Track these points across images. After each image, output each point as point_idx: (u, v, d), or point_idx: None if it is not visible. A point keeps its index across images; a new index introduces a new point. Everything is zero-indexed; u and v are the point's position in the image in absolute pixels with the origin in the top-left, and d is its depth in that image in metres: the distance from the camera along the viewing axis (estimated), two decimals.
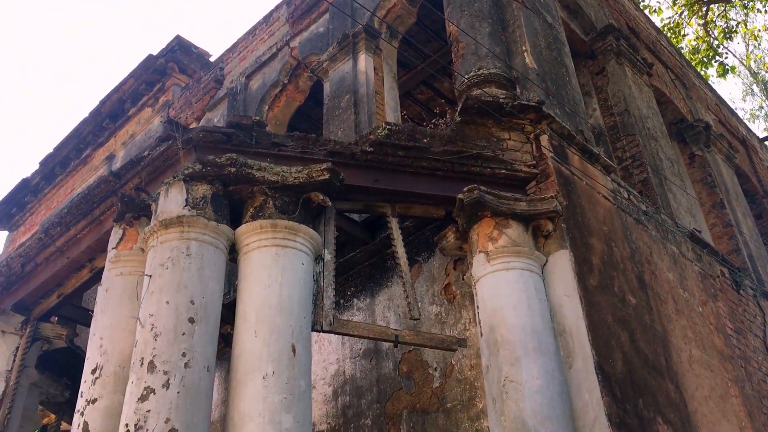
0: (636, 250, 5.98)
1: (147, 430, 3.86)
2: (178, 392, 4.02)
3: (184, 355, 4.16)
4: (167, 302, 4.32)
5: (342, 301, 6.59)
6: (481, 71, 6.13)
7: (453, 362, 5.53)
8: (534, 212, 5.16)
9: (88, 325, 6.50)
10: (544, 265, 5.11)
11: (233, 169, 4.79)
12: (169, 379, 4.04)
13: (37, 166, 12.70)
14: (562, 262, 5.03)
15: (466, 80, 6.13)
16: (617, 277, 5.48)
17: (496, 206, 5.10)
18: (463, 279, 5.67)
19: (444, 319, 5.77)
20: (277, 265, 4.65)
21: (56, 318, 6.71)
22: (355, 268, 6.65)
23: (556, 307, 4.89)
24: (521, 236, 5.11)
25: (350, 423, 6.02)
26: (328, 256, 5.08)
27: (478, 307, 5.01)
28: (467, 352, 5.44)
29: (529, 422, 4.31)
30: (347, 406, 6.14)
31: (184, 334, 4.24)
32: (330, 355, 6.54)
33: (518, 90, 6.14)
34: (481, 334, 4.85)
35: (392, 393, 5.85)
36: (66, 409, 7.33)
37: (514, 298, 4.81)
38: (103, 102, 11.68)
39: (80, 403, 4.52)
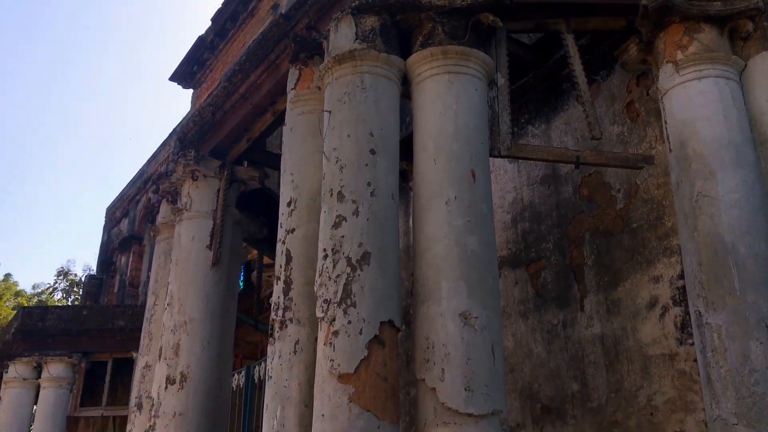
0: None
1: (343, 253, 4.14)
2: (367, 219, 4.23)
3: (369, 184, 4.33)
4: (348, 135, 4.47)
5: (516, 129, 6.47)
6: None
7: (637, 182, 5.33)
8: (731, 11, 4.62)
9: (275, 168, 6.96)
10: (743, 70, 4.63)
11: None
12: (357, 207, 4.25)
13: (209, 23, 13.25)
14: (764, 66, 4.53)
15: None
16: None
17: (686, 9, 4.61)
18: (647, 95, 5.32)
19: (627, 139, 5.52)
20: (450, 93, 4.61)
21: (246, 163, 7.21)
22: (528, 93, 6.45)
23: (757, 116, 4.47)
24: (715, 41, 4.62)
25: (531, 248, 6.10)
26: (501, 79, 4.94)
27: (665, 122, 4.70)
28: (653, 171, 5.20)
29: (726, 237, 4.11)
30: (527, 231, 6.20)
31: (366, 165, 4.39)
32: (506, 183, 6.54)
33: None
34: (670, 150, 4.58)
35: (573, 217, 5.80)
36: (265, 245, 8.05)
37: (707, 109, 4.44)
38: None
39: (281, 233, 4.92)
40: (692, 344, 4.58)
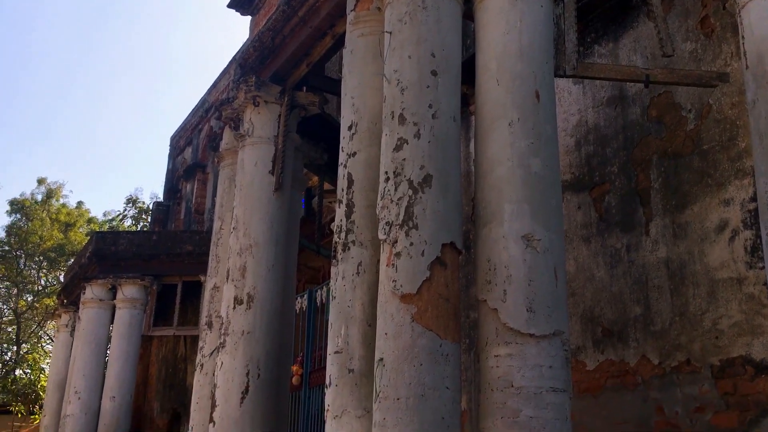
0: None
1: (404, 176, 4.15)
2: (428, 141, 4.21)
3: (430, 106, 4.28)
4: (409, 57, 4.40)
5: (582, 48, 6.25)
6: None
7: (710, 102, 5.12)
8: None
9: (334, 93, 6.94)
10: None
11: None
12: (419, 129, 4.22)
13: None
14: None
15: None
16: None
17: None
18: (723, 8, 5.04)
19: (700, 56, 5.27)
20: (514, 10, 4.47)
21: (305, 88, 7.21)
22: (595, 11, 6.18)
23: None
24: None
25: (595, 171, 5.98)
26: None
27: (742, 37, 4.46)
28: (727, 90, 4.98)
29: None
30: (591, 155, 6.07)
31: (428, 86, 4.33)
32: (571, 106, 6.38)
33: None
34: (747, 67, 4.36)
35: (640, 139, 5.63)
36: (326, 171, 8.13)
37: None
38: None
39: (342, 157, 4.95)
40: (762, 268, 4.47)
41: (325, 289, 9.03)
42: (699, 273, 4.95)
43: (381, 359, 3.91)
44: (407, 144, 4.21)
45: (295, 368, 9.49)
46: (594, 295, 5.76)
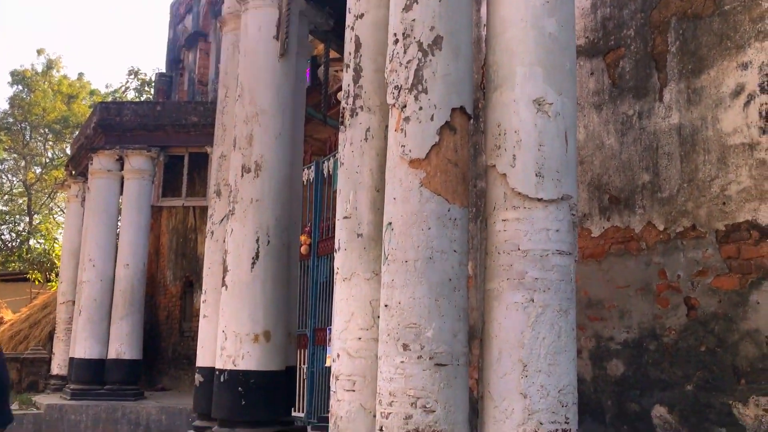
0: None
1: (414, 37, 4.01)
2: (439, 1, 4.03)
3: None
4: None
5: None
6: None
7: None
8: None
9: None
10: None
11: None
12: None
13: None
14: None
15: None
16: None
17: None
18: None
19: None
20: None
21: None
22: None
23: None
24: None
25: (610, 35, 5.78)
26: None
27: None
28: None
29: None
30: (607, 18, 5.85)
31: None
32: None
33: None
34: None
35: (659, 0, 5.40)
36: (332, 37, 7.89)
37: None
38: None
39: (349, 19, 4.77)
40: None
41: (332, 160, 9.03)
42: (711, 139, 4.89)
43: (390, 223, 3.95)
44: (417, 4, 4.04)
45: (303, 238, 9.67)
46: (603, 163, 5.74)
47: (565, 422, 3.67)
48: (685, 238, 5.00)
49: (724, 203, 4.75)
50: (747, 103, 4.67)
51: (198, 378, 6.49)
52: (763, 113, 4.57)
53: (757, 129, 4.60)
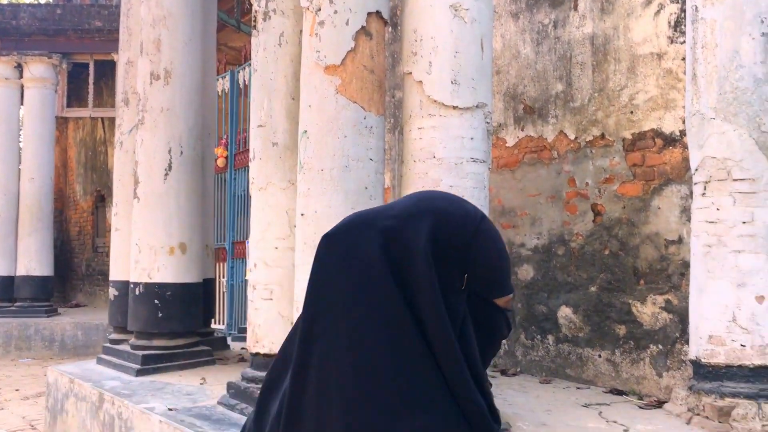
0: None
1: None
2: None
3: None
4: None
5: None
6: None
7: None
8: None
9: None
10: None
11: None
12: None
13: None
14: None
15: None
16: None
17: None
18: None
19: None
20: None
21: None
22: None
23: None
24: None
25: None
26: None
27: None
28: None
29: None
30: None
31: None
32: None
33: None
34: None
35: None
36: None
37: None
38: None
39: None
40: (683, 42, 4.53)
41: (247, 69, 8.75)
42: (622, 49, 4.98)
43: (305, 131, 3.89)
44: None
45: (219, 150, 9.46)
46: (518, 73, 5.78)
47: None
48: (594, 147, 5.16)
49: (631, 112, 4.89)
50: (657, 13, 4.76)
51: (112, 292, 6.38)
52: (672, 23, 4.67)
53: (665, 38, 4.71)
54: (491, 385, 4.11)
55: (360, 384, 0.88)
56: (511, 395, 4.72)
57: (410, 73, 4.00)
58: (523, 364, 5.71)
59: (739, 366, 3.74)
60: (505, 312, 1.00)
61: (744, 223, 3.73)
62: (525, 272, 5.73)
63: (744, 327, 3.75)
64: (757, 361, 3.70)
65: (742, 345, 3.74)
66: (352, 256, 0.93)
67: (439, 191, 1.08)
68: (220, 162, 9.50)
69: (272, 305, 4.22)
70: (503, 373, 5.66)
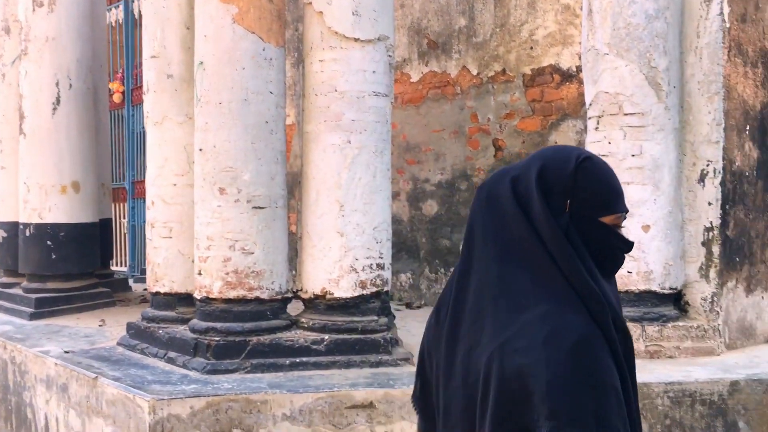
0: None
1: None
2: None
3: None
4: None
5: None
6: None
7: None
8: None
9: None
10: None
11: None
12: None
13: None
14: None
15: None
16: None
17: None
18: None
19: None
20: None
21: None
22: None
23: None
24: None
25: None
26: None
27: None
28: None
29: None
30: None
31: None
32: None
33: None
34: None
35: None
36: None
37: None
38: None
39: None
40: None
41: None
42: None
43: (201, 63, 3.74)
44: None
45: (115, 85, 9.01)
46: (422, 6, 5.73)
47: (379, 257, 3.85)
48: (496, 82, 5.22)
49: (531, 48, 4.96)
50: None
51: (0, 234, 6.05)
52: None
53: None
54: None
55: (501, 286, 1.24)
56: (415, 327, 4.83)
57: (310, 3, 3.89)
58: (428, 297, 5.86)
59: (626, 291, 3.95)
60: (613, 228, 1.30)
61: (633, 156, 3.89)
62: (429, 207, 5.82)
63: (631, 255, 3.94)
64: (642, 286, 3.93)
65: (628, 272, 3.95)
66: (492, 197, 1.29)
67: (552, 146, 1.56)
68: (117, 97, 9.06)
69: (172, 243, 4.12)
70: (408, 306, 5.79)
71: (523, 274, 1.24)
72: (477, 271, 1.29)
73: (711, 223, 3.93)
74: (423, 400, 1.48)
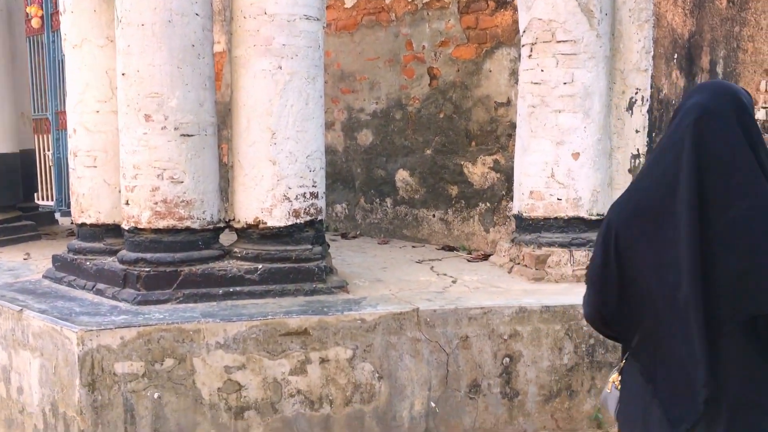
0: None
1: None
2: None
3: None
4: None
5: None
6: None
7: None
8: None
9: None
10: None
11: None
12: None
13: None
14: None
15: None
16: None
17: None
18: None
19: None
20: None
21: None
22: None
23: None
24: None
25: None
26: None
27: None
28: None
29: None
30: None
31: None
32: None
33: None
34: None
35: None
36: None
37: None
38: None
39: None
40: None
41: None
42: None
43: None
44: None
45: (33, 9, 8.50)
46: None
47: (313, 186, 3.81)
48: (431, 9, 5.13)
49: None
50: None
51: None
52: None
53: None
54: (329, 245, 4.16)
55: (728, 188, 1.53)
56: (350, 256, 4.86)
57: None
58: (363, 227, 5.87)
59: (555, 218, 4.04)
60: None
61: (565, 84, 3.92)
62: (364, 137, 5.77)
63: (561, 182, 4.02)
64: (571, 213, 4.02)
65: (558, 199, 4.04)
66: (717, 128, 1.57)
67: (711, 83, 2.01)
68: (35, 22, 8.57)
69: (97, 173, 3.97)
70: (344, 236, 5.80)
71: (744, 180, 1.54)
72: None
73: (638, 150, 4.02)
74: (603, 274, 1.65)
